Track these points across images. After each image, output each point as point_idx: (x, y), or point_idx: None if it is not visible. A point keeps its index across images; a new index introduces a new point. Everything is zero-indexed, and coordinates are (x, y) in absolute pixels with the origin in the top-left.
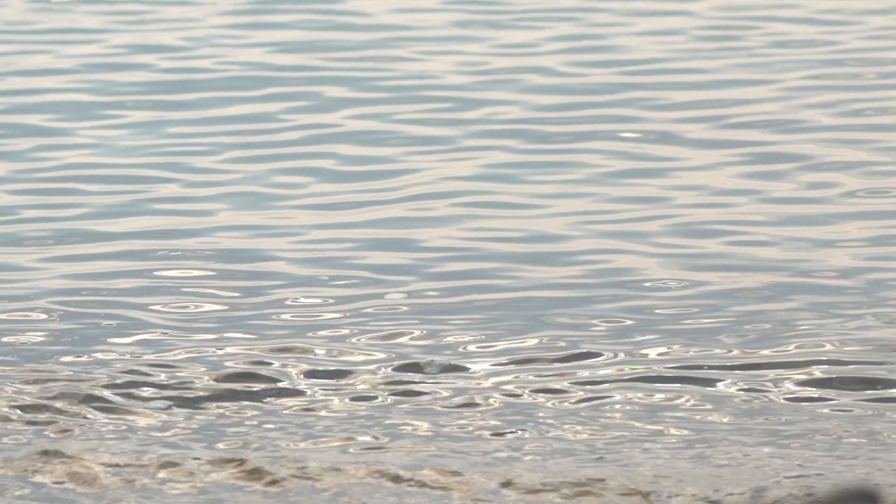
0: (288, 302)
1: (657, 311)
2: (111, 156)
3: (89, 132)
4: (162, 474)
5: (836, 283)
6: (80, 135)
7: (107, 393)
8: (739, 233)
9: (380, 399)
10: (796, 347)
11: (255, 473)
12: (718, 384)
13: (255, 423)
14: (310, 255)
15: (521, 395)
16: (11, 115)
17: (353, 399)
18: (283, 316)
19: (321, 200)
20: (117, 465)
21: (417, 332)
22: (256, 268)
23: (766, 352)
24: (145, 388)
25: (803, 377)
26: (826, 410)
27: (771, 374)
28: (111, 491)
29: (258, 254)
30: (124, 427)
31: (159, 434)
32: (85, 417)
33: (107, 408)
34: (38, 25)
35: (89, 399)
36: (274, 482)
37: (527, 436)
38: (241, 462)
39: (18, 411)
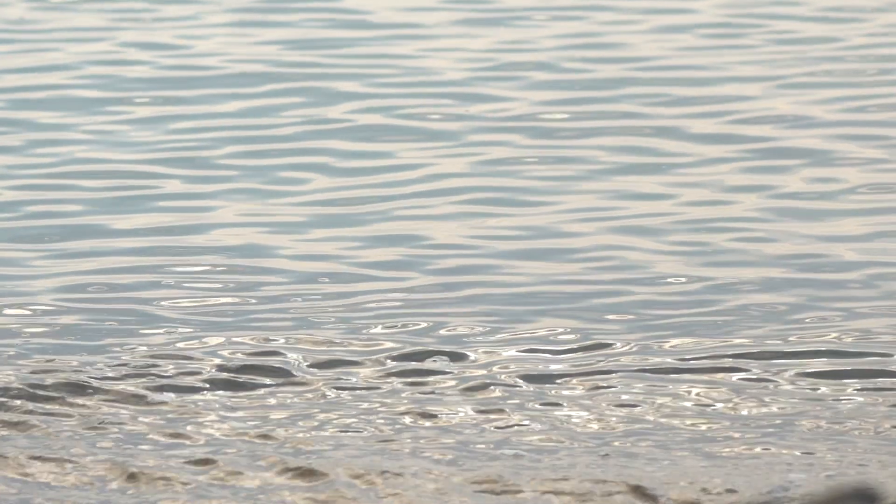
0: (293, 295)
1: (662, 305)
2: (115, 152)
3: (93, 128)
4: (193, 470)
5: (842, 277)
6: (85, 131)
7: (119, 385)
8: (744, 228)
9: (387, 392)
10: (803, 340)
11: (302, 473)
12: (725, 378)
13: (268, 415)
14: (314, 249)
15: (527, 390)
16: (15, 111)
17: (359, 392)
18: (288, 309)
19: (325, 196)
20: (149, 462)
21: (423, 325)
22: (261, 263)
23: (774, 344)
24: (154, 381)
25: (811, 370)
26: (832, 402)
27: (778, 367)
28: (148, 487)
29: (262, 249)
30: (140, 419)
31: (171, 427)
32: (100, 410)
33: (118, 399)
34: (42, 24)
35: (99, 391)
36: (310, 475)
37: (534, 429)
38: (284, 464)
39: (31, 403)
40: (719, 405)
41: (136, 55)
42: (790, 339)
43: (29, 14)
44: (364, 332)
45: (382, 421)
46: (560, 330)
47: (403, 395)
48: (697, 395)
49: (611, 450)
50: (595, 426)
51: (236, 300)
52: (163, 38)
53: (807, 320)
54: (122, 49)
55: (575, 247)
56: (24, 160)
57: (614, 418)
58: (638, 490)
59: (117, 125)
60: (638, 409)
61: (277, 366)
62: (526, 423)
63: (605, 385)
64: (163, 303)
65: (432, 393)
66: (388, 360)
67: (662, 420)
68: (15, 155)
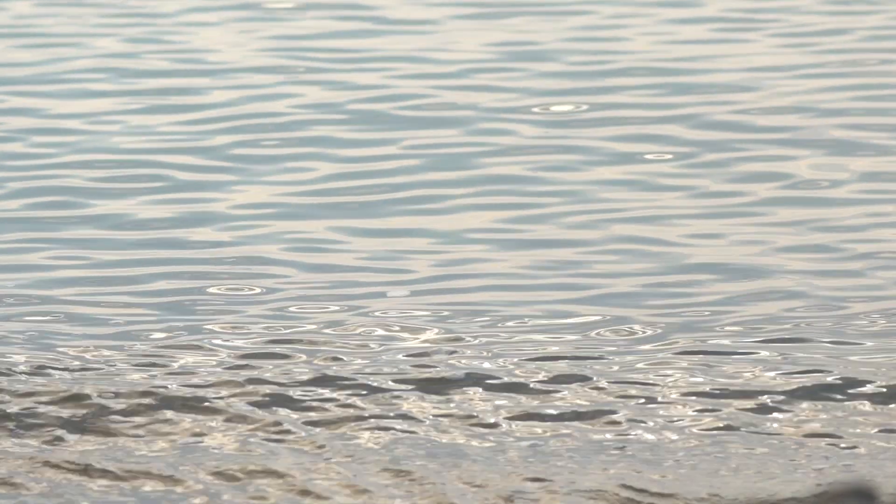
0: (300, 286)
1: (675, 294)
2: (121, 143)
3: (99, 120)
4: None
5: (855, 266)
6: (91, 122)
7: (130, 376)
8: (755, 216)
9: (396, 395)
10: (812, 327)
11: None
12: (738, 368)
13: (286, 403)
14: (323, 238)
15: (543, 392)
16: (22, 100)
17: (366, 395)
18: (294, 299)
19: (332, 185)
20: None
21: (430, 315)
22: (263, 252)
23: (783, 337)
24: (165, 370)
25: (823, 360)
26: (846, 392)
27: (791, 356)
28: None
29: (266, 238)
30: (151, 410)
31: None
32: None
33: (128, 389)
34: (46, 20)
35: (108, 381)
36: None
37: (551, 433)
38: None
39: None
40: (731, 394)
41: (142, 48)
42: (800, 326)
43: (35, 10)
44: (366, 332)
45: (406, 414)
46: (569, 321)
47: (418, 387)
48: (708, 386)
49: (628, 450)
50: (612, 427)
51: (238, 296)
52: (168, 33)
53: (811, 311)
54: (127, 43)
55: (588, 238)
56: (31, 150)
57: (630, 413)
58: (644, 492)
59: (124, 116)
60: (649, 405)
61: (287, 352)
62: (543, 416)
63: (615, 385)
64: (167, 294)
65: (445, 385)
66: (398, 352)
67: (675, 413)
68: (22, 145)
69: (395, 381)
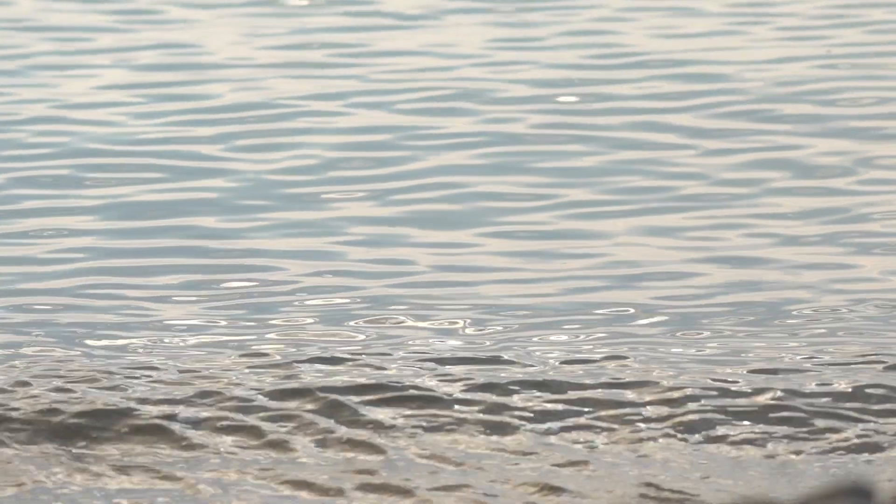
0: (307, 284)
1: (681, 286)
2: (124, 137)
3: (103, 112)
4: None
5: (868, 259)
6: (92, 116)
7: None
8: (767, 208)
9: (405, 385)
10: (817, 320)
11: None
12: (748, 362)
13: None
14: (325, 236)
15: (551, 383)
16: (23, 94)
17: (377, 387)
18: (295, 299)
19: (335, 175)
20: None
21: (433, 314)
22: (255, 245)
23: (784, 335)
24: (183, 366)
25: (830, 355)
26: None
27: (796, 362)
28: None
29: (265, 231)
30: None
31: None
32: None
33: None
34: (47, 19)
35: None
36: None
37: (560, 427)
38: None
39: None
40: (733, 392)
41: (145, 42)
42: (809, 319)
43: (40, 4)
44: (366, 333)
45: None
46: (577, 312)
47: (422, 377)
48: (712, 381)
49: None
50: (620, 430)
51: (246, 281)
52: (174, 28)
53: (819, 303)
54: (130, 36)
55: (595, 230)
56: (36, 139)
57: (635, 409)
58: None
59: (129, 107)
60: (659, 397)
61: (292, 343)
62: (562, 432)
63: (624, 387)
64: (170, 286)
65: (448, 377)
66: (403, 343)
67: (678, 410)
68: (27, 135)
69: (401, 370)
